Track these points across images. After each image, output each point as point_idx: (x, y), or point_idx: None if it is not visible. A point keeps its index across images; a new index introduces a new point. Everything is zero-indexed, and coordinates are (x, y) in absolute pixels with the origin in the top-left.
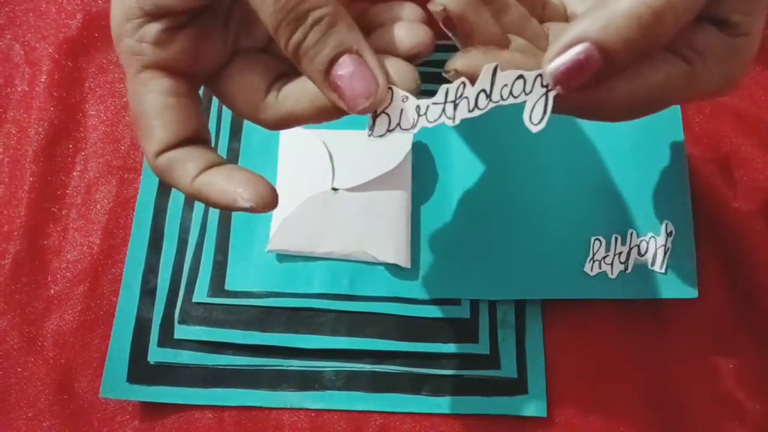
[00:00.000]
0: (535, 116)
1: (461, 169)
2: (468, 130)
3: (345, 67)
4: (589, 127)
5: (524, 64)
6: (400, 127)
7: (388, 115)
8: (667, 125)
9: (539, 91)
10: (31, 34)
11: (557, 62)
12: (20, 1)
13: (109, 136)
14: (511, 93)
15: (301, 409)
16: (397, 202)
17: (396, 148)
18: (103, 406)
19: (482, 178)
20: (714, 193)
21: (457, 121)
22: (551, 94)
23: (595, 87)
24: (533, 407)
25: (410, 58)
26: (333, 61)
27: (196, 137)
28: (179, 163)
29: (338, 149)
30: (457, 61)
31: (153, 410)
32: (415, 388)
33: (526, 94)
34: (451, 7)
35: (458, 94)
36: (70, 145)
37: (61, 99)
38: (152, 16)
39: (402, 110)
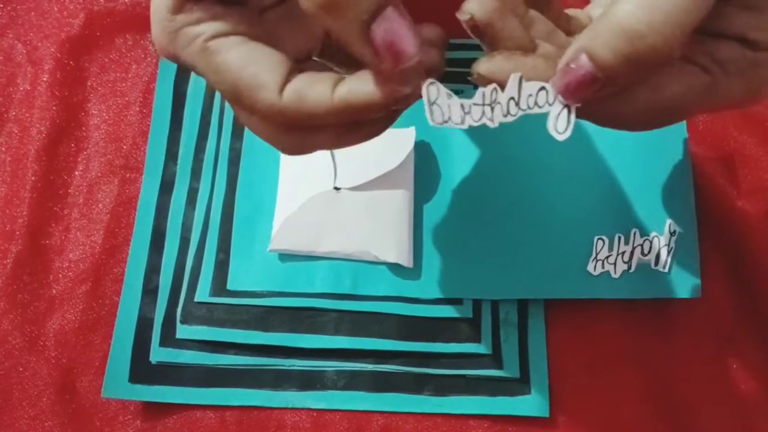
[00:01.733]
0: (560, 126)
1: (464, 168)
2: (471, 129)
3: (389, 20)
4: (592, 126)
5: (546, 71)
6: (452, 121)
7: (440, 107)
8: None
9: (561, 101)
10: (34, 33)
11: (557, 76)
12: (22, 0)
13: (112, 135)
14: (536, 103)
15: (303, 408)
16: (399, 201)
17: (398, 148)
18: (105, 405)
19: (485, 177)
20: (718, 192)
21: (497, 124)
22: (572, 105)
23: (606, 99)
24: (536, 407)
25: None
26: (376, 13)
27: (303, 56)
28: (308, 88)
29: (340, 148)
30: (481, 66)
31: (155, 410)
32: (418, 387)
33: (550, 105)
34: (478, 16)
35: (493, 99)
36: (72, 145)
37: (64, 98)
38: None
39: (449, 105)
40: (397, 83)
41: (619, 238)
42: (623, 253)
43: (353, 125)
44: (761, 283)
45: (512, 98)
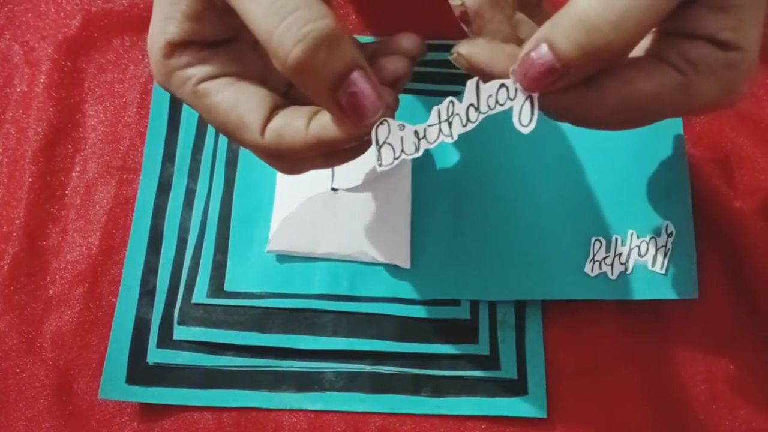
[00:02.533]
0: (524, 118)
1: (461, 170)
2: (468, 131)
3: (355, 84)
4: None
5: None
6: (405, 154)
7: (390, 145)
8: (667, 125)
9: (522, 95)
10: (31, 34)
11: (517, 64)
12: (19, 1)
13: (109, 136)
14: (497, 102)
15: (300, 410)
16: (396, 202)
17: None
18: (102, 407)
19: (482, 178)
20: (714, 193)
21: (456, 137)
22: (534, 97)
23: (579, 97)
24: (533, 408)
25: (391, 82)
26: (342, 78)
27: (283, 100)
28: (286, 127)
29: None
30: (463, 47)
31: (152, 411)
32: (415, 389)
33: (511, 100)
34: (468, 4)
35: (450, 112)
36: (70, 146)
37: (61, 99)
38: (184, 45)
39: (402, 137)
40: (360, 127)
41: (617, 239)
42: (620, 254)
43: (332, 153)
44: (758, 283)
45: (471, 105)
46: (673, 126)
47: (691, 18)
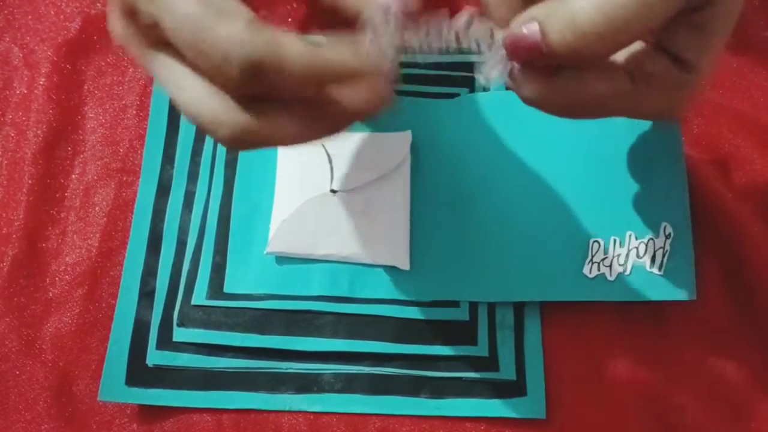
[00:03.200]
0: (491, 74)
1: (460, 172)
2: (467, 132)
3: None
4: (588, 129)
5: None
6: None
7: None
8: (665, 127)
9: (502, 56)
10: (30, 36)
11: (509, 30)
12: (19, 3)
13: (108, 138)
14: (478, 45)
15: (299, 411)
16: (395, 204)
17: (394, 151)
18: (102, 409)
19: (481, 180)
20: (712, 194)
21: (427, 51)
22: (514, 66)
23: (540, 72)
24: (532, 409)
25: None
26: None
27: None
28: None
29: (337, 151)
30: None
31: (151, 413)
32: (415, 390)
33: (489, 52)
34: None
35: (436, 32)
36: (69, 148)
37: (60, 102)
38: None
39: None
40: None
41: (614, 240)
42: (618, 255)
43: (316, 114)
44: (757, 285)
45: (457, 33)
46: (671, 128)
47: (667, 32)
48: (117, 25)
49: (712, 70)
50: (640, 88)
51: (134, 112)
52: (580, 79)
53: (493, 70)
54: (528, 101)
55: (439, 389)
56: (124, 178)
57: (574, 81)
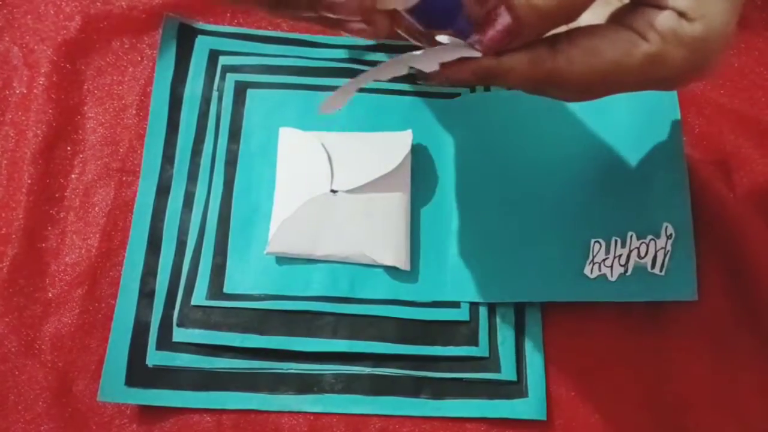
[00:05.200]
0: (422, 66)
1: (461, 172)
2: (468, 132)
3: None
4: (589, 129)
5: None
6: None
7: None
8: (666, 127)
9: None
10: (30, 36)
11: (479, 27)
12: (19, 3)
13: (108, 138)
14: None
15: (300, 412)
16: (396, 204)
17: (395, 150)
18: (101, 409)
19: (481, 180)
20: (714, 194)
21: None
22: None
23: (545, 66)
24: (533, 410)
25: None
26: None
27: None
28: None
29: (337, 151)
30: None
31: (151, 413)
32: (415, 391)
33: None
34: None
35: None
36: (69, 148)
37: (60, 101)
38: None
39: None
40: None
41: (616, 241)
42: (620, 256)
43: None
44: (758, 285)
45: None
46: (673, 128)
47: None
48: None
49: (726, 22)
50: (657, 47)
51: (134, 111)
52: (590, 51)
53: (423, 64)
54: (546, 94)
55: (439, 390)
56: (124, 178)
57: (583, 55)
